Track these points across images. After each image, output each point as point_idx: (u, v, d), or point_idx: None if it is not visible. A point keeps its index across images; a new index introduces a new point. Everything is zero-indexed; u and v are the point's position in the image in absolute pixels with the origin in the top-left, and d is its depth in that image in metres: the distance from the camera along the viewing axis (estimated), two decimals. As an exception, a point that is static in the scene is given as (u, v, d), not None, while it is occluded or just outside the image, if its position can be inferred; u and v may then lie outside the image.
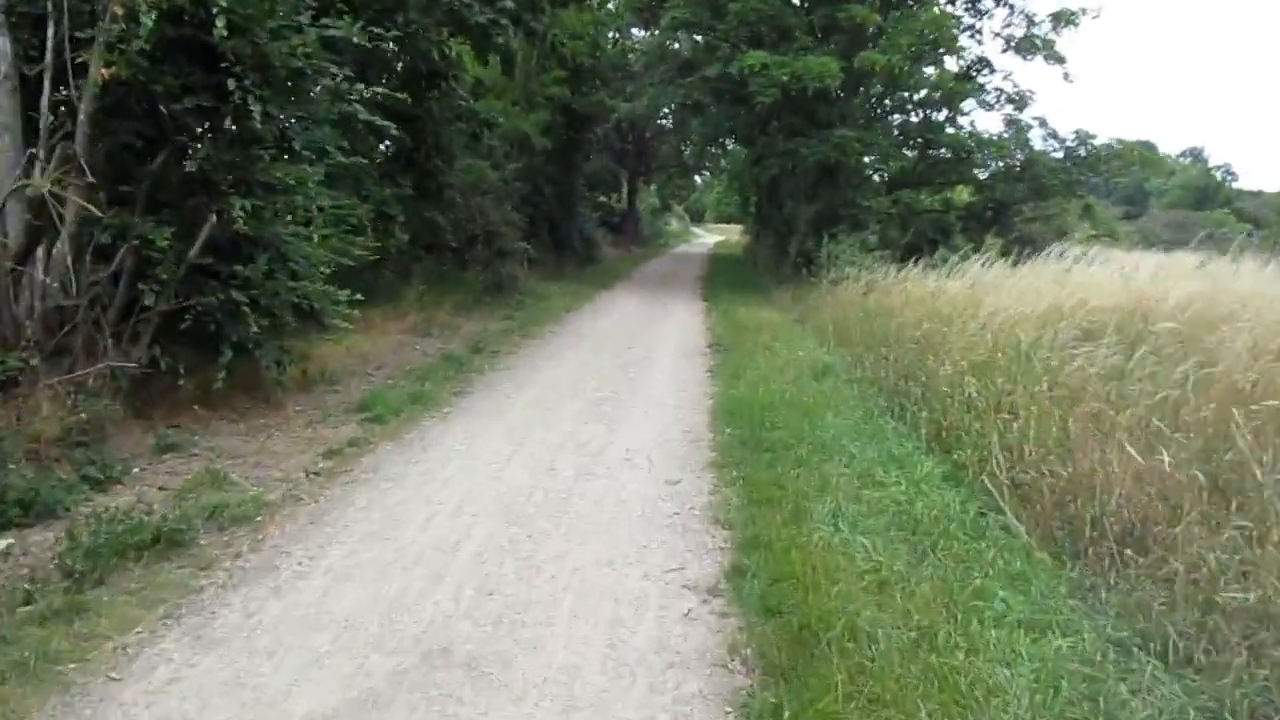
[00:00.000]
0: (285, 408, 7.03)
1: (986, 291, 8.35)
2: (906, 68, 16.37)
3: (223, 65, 5.62)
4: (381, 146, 12.40)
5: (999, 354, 5.86)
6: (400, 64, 11.91)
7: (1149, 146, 50.12)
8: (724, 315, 14.35)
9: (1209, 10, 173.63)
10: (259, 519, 4.58)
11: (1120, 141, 17.70)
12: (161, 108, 5.72)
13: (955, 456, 5.17)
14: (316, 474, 5.40)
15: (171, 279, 5.98)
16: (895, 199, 17.24)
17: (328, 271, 7.46)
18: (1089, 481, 3.91)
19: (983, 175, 19.41)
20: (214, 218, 6.08)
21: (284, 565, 4.03)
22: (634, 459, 5.84)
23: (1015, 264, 13.51)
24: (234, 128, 6.07)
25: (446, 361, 9.23)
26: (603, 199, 37.14)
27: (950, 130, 18.47)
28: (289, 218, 6.99)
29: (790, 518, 4.48)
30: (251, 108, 5.65)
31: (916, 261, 15.97)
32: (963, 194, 21.95)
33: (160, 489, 4.98)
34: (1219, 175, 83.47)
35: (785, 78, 15.49)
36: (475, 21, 10.36)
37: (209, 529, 4.42)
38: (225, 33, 5.26)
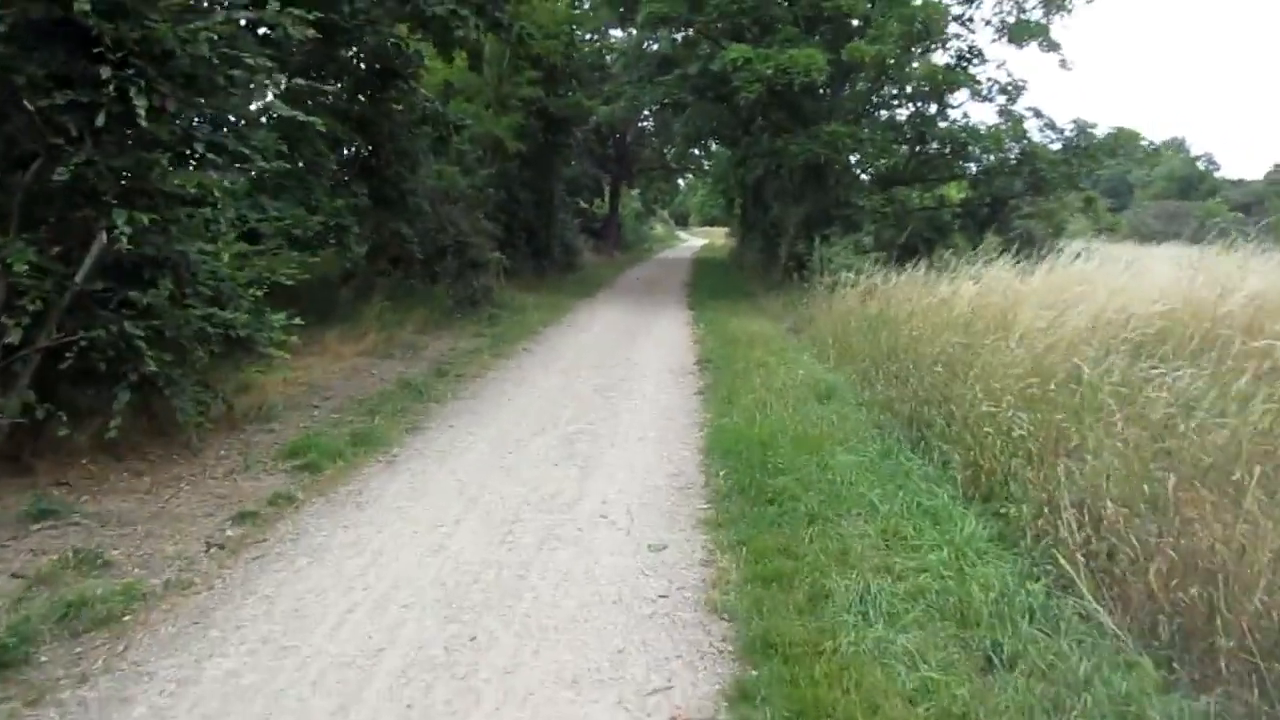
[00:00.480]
0: (206, 453, 6.02)
1: (1010, 298, 7.40)
2: (897, 57, 15.48)
3: (95, 51, 4.61)
4: (344, 151, 11.44)
5: (1045, 377, 4.89)
6: (356, 63, 10.92)
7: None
8: (712, 326, 13.40)
9: (1184, 2, 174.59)
10: (128, 619, 3.59)
11: (1121, 129, 16.84)
12: (27, 103, 4.71)
13: (1003, 510, 4.20)
14: (220, 546, 4.39)
15: (52, 309, 4.98)
16: (889, 197, 16.35)
17: (258, 294, 6.46)
18: (1209, 560, 2.94)
19: (977, 170, 18.52)
20: (104, 236, 5.08)
21: (139, 695, 3.03)
22: (611, 514, 4.86)
23: (1018, 262, 12.76)
24: (126, 129, 5.06)
25: (404, 389, 8.22)
26: (584, 205, 36.17)
27: (943, 123, 17.57)
28: (207, 232, 6.01)
29: (806, 604, 3.52)
30: (135, 102, 4.65)
31: (916, 263, 15.15)
32: (955, 191, 21.16)
33: (14, 576, 3.98)
34: (1202, 165, 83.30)
35: (769, 71, 14.58)
36: (434, 13, 9.38)
37: (59, 637, 3.43)
38: (87, 6, 4.26)
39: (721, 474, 5.42)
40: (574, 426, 6.95)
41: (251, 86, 5.71)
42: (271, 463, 5.85)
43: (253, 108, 7.07)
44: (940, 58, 18.18)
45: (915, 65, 16.66)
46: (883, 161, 16.70)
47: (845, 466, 5.19)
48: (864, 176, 19.36)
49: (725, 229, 54.59)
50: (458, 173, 15.49)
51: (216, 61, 5.31)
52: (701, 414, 7.44)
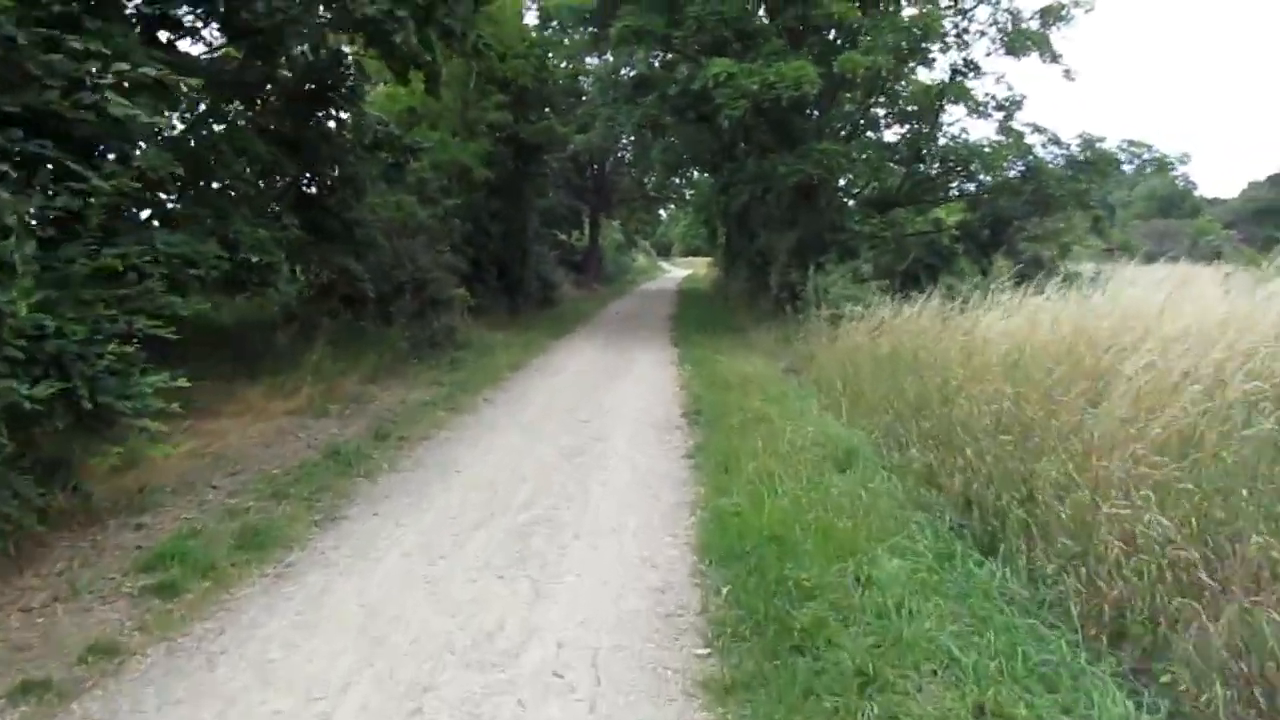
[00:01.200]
0: (40, 564, 4.53)
1: (1066, 332, 6.01)
2: (892, 68, 14.29)
3: None
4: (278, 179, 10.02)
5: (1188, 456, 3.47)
6: (285, 76, 9.54)
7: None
8: (700, 366, 12.00)
9: (1155, 24, 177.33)
10: None
11: (1133, 143, 15.76)
12: None
13: (1164, 676, 2.77)
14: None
15: None
16: (888, 220, 15.09)
17: (117, 350, 4.98)
18: None
19: (977, 189, 17.33)
20: None
21: None
22: (568, 670, 3.39)
23: (1030, 287, 11.59)
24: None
25: (331, 460, 6.74)
26: (562, 237, 34.93)
27: (941, 140, 16.38)
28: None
29: None
30: None
31: (919, 292, 13.86)
32: (948, 214, 19.97)
33: None
34: (1180, 184, 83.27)
35: (755, 87, 13.34)
36: (365, 14, 8.04)
37: None
38: None
39: (724, 592, 3.97)
40: (531, 513, 5.48)
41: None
42: (118, 581, 4.36)
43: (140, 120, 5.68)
44: (933, 73, 17.16)
45: (910, 78, 15.49)
46: (875, 183, 15.47)
47: (895, 581, 3.75)
48: (850, 201, 18.21)
49: (709, 259, 53.56)
50: (416, 202, 14.11)
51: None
52: (692, 488, 6.01)
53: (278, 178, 9.51)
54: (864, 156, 14.97)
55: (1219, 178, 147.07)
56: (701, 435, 7.57)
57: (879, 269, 14.27)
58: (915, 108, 17.45)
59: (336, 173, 10.54)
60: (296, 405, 8.74)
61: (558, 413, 8.89)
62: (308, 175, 10.23)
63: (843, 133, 15.78)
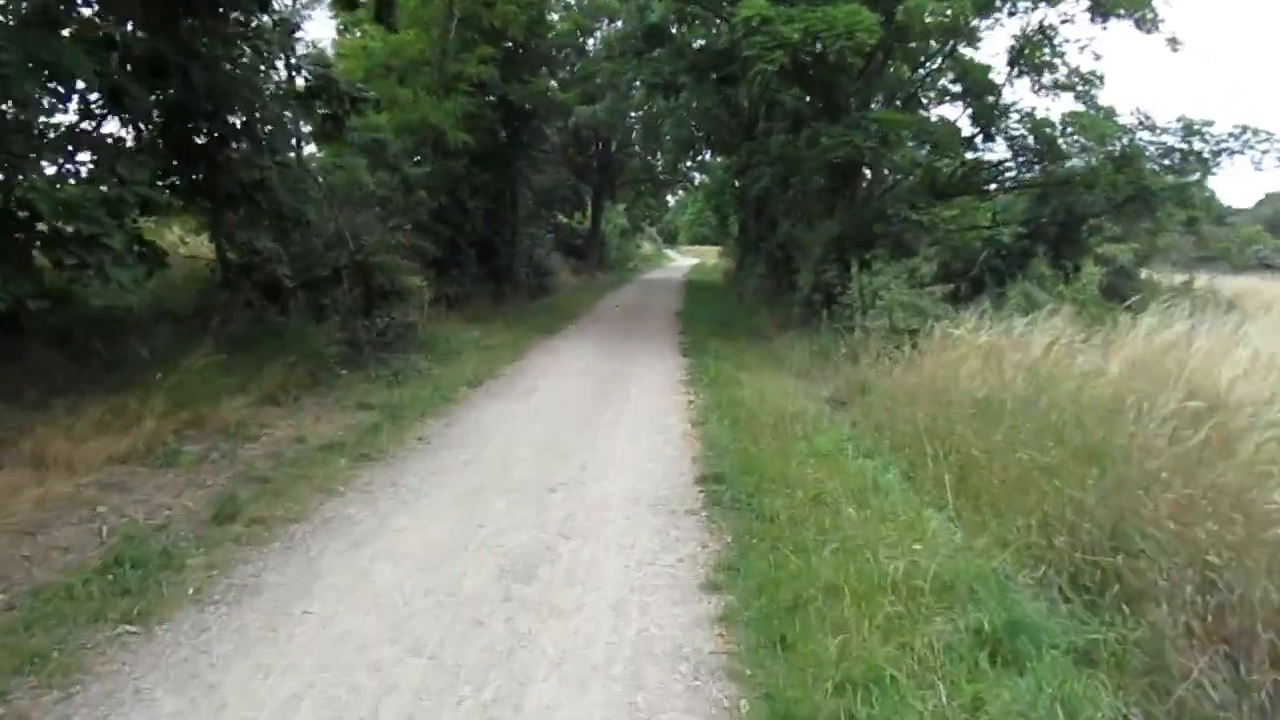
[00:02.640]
0: None
1: None
2: (969, 20, 11.41)
3: None
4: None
5: None
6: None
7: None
8: (717, 390, 9.22)
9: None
10: None
11: (1249, 129, 12.88)
12: None
13: None
14: None
15: None
16: (958, 209, 12.21)
17: None
18: None
19: (1050, 177, 14.41)
20: None
21: None
22: None
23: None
24: None
25: (94, 583, 3.96)
26: (563, 219, 32.11)
27: (1014, 115, 13.44)
28: None
29: None
30: None
31: (979, 300, 11.16)
32: (987, 210, 17.06)
33: None
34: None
35: (796, 36, 10.49)
36: None
37: None
38: None
39: None
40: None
41: None
42: None
43: None
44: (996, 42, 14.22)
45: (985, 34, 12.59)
46: (946, 162, 12.59)
47: None
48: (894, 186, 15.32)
49: (717, 249, 50.63)
50: (366, 167, 11.32)
51: None
52: (725, 675, 3.25)
53: (126, 115, 6.70)
54: (936, 130, 12.04)
55: (1228, 188, 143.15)
56: (731, 532, 4.78)
57: (943, 271, 11.46)
58: (971, 81, 14.58)
59: (235, 117, 7.76)
60: (133, 446, 5.99)
61: (515, 472, 6.11)
62: (186, 116, 7.42)
63: (897, 103, 12.86)
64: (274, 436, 6.85)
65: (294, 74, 9.06)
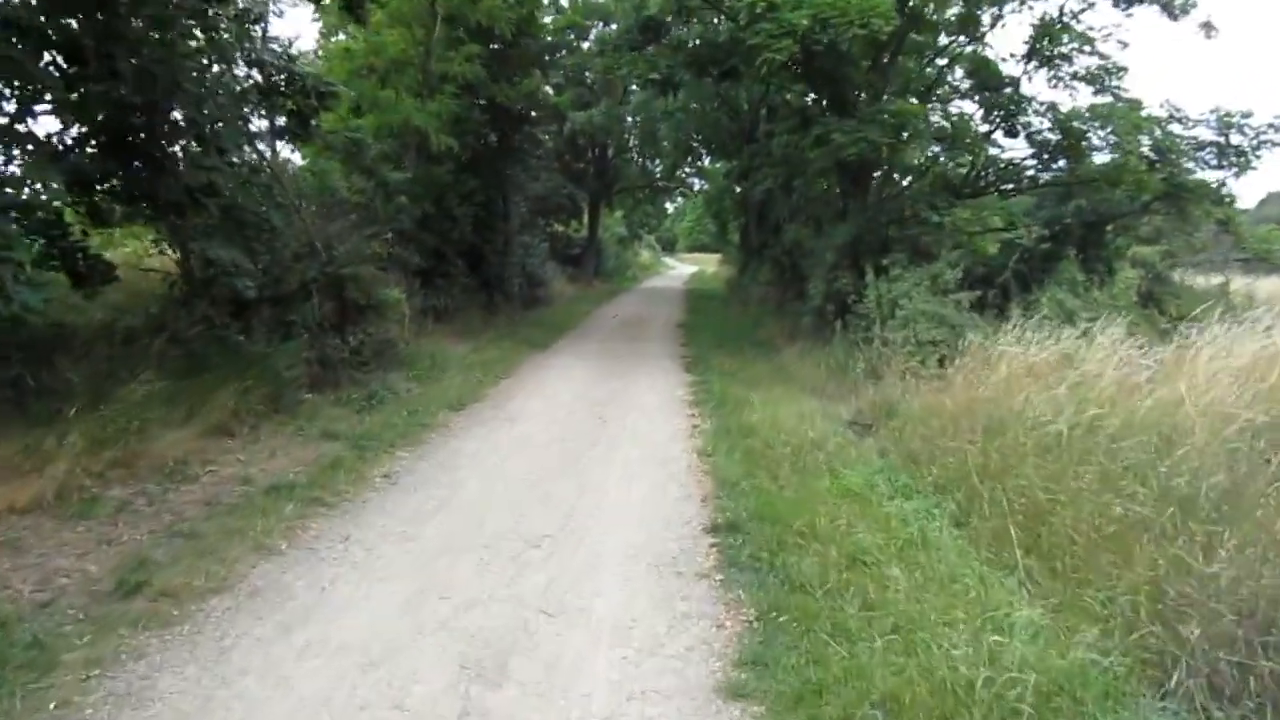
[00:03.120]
0: None
1: None
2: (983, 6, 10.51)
3: None
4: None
5: None
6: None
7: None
8: (726, 414, 8.29)
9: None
10: None
11: (1291, 120, 11.96)
12: None
13: None
14: None
15: None
16: (979, 208, 11.27)
17: None
18: None
19: (1076, 174, 13.47)
20: None
21: None
22: None
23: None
24: None
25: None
26: (559, 228, 31.22)
27: (1037, 108, 12.48)
28: None
29: None
30: None
31: (1006, 307, 10.33)
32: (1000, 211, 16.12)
33: None
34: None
35: (805, 22, 9.61)
36: None
37: None
38: None
39: None
40: None
41: None
42: None
43: None
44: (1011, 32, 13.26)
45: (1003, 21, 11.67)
46: (966, 159, 11.67)
47: None
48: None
49: (717, 255, 49.71)
50: (336, 171, 10.44)
51: None
52: None
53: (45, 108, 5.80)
54: (958, 124, 11.11)
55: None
56: (753, 605, 3.85)
57: (966, 277, 10.52)
58: (987, 75, 13.67)
59: (179, 112, 6.85)
60: (40, 493, 5.06)
61: (491, 522, 5.18)
62: (124, 110, 6.51)
63: (913, 99, 11.93)
64: (218, 476, 5.94)
65: (253, 68, 8.15)
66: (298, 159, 12.18)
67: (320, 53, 16.67)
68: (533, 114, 18.15)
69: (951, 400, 6.99)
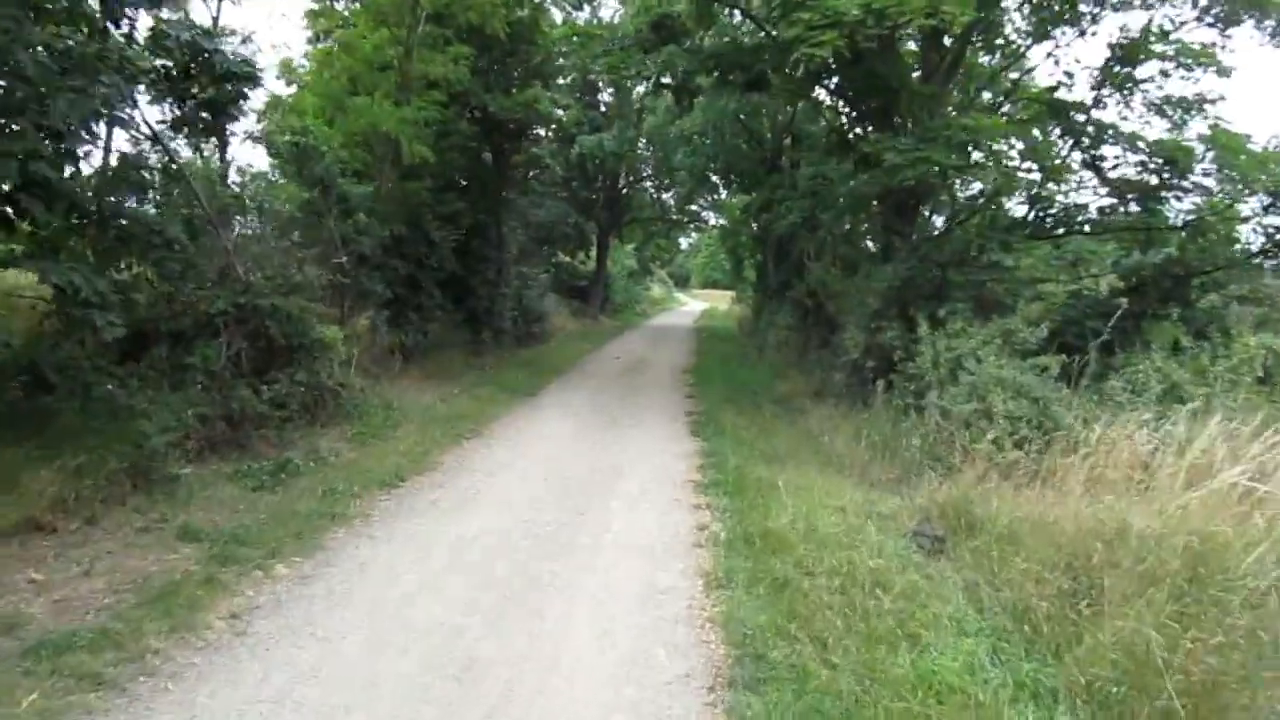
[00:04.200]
0: None
1: None
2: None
3: None
4: None
5: None
6: None
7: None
8: (744, 508, 6.19)
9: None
10: None
11: None
12: None
13: None
14: None
15: None
16: (1060, 248, 9.14)
17: None
18: None
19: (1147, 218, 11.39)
20: None
21: None
22: None
23: None
24: None
25: None
26: (564, 259, 29.35)
27: (1118, 137, 10.43)
28: None
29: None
30: None
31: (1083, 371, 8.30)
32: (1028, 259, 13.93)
33: None
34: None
35: (856, 13, 7.67)
36: None
37: None
38: None
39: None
40: None
41: None
42: None
43: None
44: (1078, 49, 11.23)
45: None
46: (1050, 188, 9.60)
47: None
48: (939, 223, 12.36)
49: (731, 293, 47.72)
50: (272, 181, 8.52)
51: None
52: None
53: None
54: (1040, 145, 9.03)
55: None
56: None
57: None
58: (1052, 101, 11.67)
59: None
60: None
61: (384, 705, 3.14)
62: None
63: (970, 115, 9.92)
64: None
65: (132, 41, 6.26)
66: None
67: (308, 59, 14.86)
68: (533, 130, 16.27)
69: (1064, 515, 4.92)
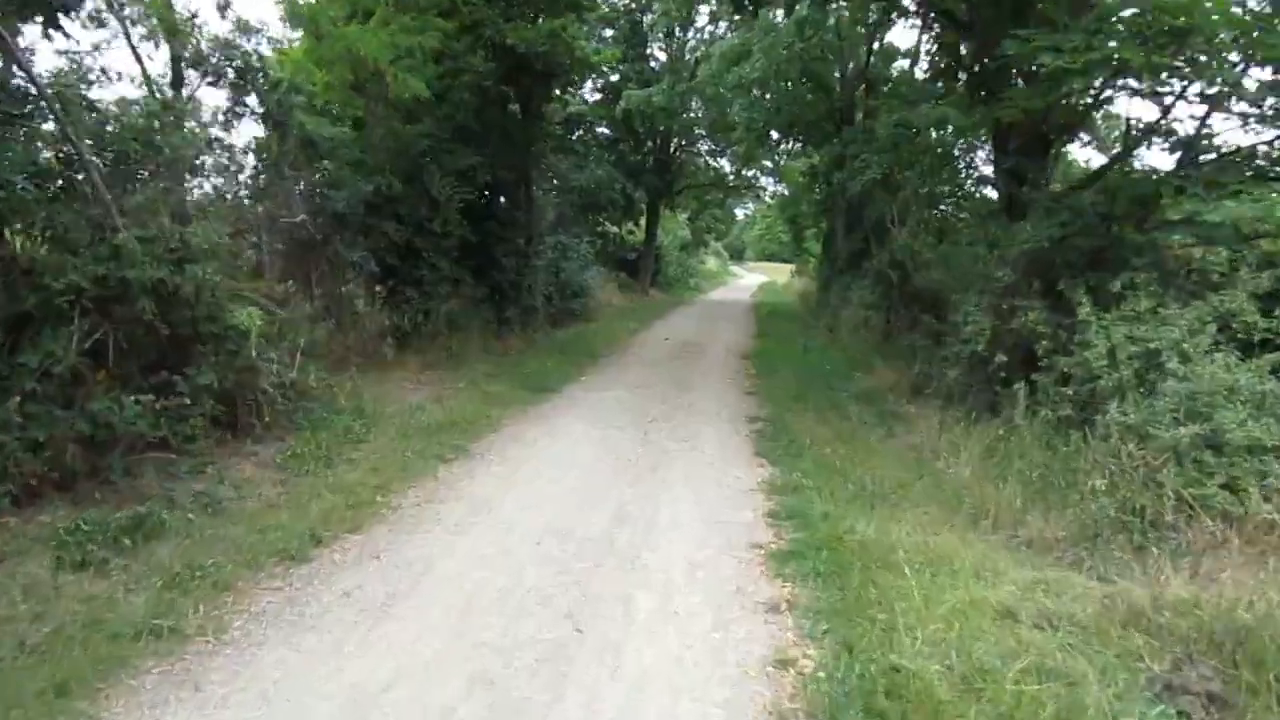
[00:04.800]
0: None
1: None
2: None
3: None
4: None
5: None
6: None
7: None
8: (849, 612, 3.73)
9: None
10: None
11: None
12: None
13: None
14: None
15: None
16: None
17: None
18: None
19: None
20: None
21: None
22: None
23: None
24: None
25: None
26: (613, 227, 26.81)
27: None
28: None
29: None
30: None
31: None
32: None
33: None
34: None
35: None
36: None
37: None
38: None
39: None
40: None
41: None
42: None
43: None
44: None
45: None
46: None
47: None
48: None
49: (790, 266, 44.73)
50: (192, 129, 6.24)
51: None
52: None
53: None
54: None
55: None
56: None
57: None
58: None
59: None
60: None
61: None
62: None
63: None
64: None
65: None
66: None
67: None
68: (565, 73, 13.72)
69: None
